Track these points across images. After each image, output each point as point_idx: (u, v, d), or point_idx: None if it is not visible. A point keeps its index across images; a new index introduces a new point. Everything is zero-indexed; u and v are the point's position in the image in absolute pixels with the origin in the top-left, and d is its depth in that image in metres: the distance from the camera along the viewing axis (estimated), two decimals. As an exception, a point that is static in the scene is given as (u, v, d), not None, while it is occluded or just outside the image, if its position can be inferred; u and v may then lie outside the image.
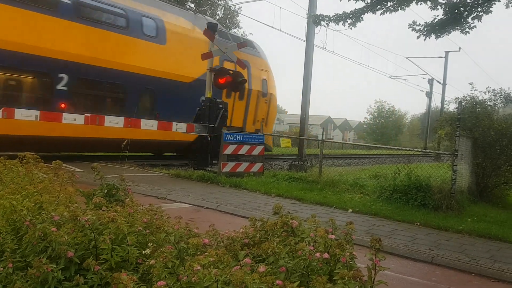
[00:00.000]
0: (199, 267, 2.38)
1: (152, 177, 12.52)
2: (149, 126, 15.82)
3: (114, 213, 3.21)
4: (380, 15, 10.37)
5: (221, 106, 14.94)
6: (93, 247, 2.85)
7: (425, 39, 11.07)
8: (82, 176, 9.60)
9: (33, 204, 3.28)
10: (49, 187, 3.92)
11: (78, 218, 2.94)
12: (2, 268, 2.77)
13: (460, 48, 40.80)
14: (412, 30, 11.05)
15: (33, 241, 2.88)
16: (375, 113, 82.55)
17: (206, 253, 2.68)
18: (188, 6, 35.48)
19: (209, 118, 14.56)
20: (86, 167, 11.96)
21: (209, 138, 14.50)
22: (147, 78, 15.84)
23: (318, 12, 17.43)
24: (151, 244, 2.86)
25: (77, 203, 3.79)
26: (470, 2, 10.36)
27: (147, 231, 3.27)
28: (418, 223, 8.68)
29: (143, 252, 2.87)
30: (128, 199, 4.19)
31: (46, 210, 3.32)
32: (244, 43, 19.50)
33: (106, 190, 4.28)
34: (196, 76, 17.01)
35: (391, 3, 10.17)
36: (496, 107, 13.57)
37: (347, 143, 56.26)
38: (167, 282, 2.40)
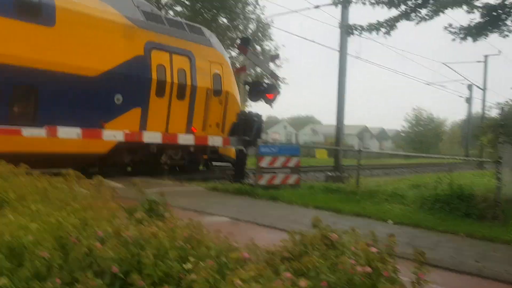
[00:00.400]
0: (239, 282, 2.39)
1: (190, 191, 12.69)
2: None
3: (155, 228, 3.27)
4: (416, 24, 10.23)
5: (255, 119, 15.03)
6: (136, 262, 2.91)
7: (460, 42, 10.83)
8: (122, 191, 9.84)
9: (78, 221, 3.39)
10: (93, 203, 4.05)
11: (121, 233, 3.02)
12: (50, 284, 2.86)
13: (500, 51, 39.59)
14: (448, 32, 10.84)
15: (79, 256, 2.97)
16: (413, 121, 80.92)
17: (246, 267, 2.69)
18: (220, 21, 36.08)
19: (244, 131, 14.68)
20: (126, 182, 12.25)
21: (246, 151, 14.59)
22: (22, 71, 11.48)
23: (350, 18, 17.35)
24: (192, 258, 2.89)
25: (119, 218, 3.89)
26: (508, 4, 10.06)
27: (188, 245, 3.31)
28: (463, 234, 8.40)
29: (185, 266, 2.90)
30: (168, 214, 4.27)
31: (90, 226, 3.42)
32: (276, 56, 19.44)
33: (147, 206, 4.37)
34: (106, 68, 13.05)
35: (426, 10, 10.01)
36: (542, 111, 13.01)
37: (385, 153, 55.29)
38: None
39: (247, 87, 14.81)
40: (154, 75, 14.26)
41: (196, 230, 3.68)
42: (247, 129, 14.65)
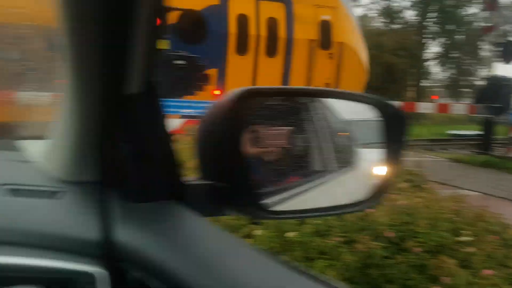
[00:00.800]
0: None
1: (430, 162, 12.20)
2: None
3: (420, 198, 3.35)
4: None
5: (506, 83, 13.31)
6: (409, 230, 3.06)
7: None
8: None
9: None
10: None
11: (393, 202, 3.20)
12: (330, 240, 3.26)
13: None
14: None
15: (354, 219, 3.28)
16: None
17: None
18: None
19: (492, 97, 13.20)
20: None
21: (494, 120, 13.15)
22: None
23: None
24: (467, 232, 2.88)
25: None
26: None
27: (457, 218, 3.29)
28: None
29: (459, 239, 2.91)
30: (426, 185, 4.28)
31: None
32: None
33: (406, 176, 4.48)
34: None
35: None
36: None
37: None
38: (494, 271, 2.40)
39: (499, 48, 13.16)
40: (232, 28, 11.86)
41: (459, 204, 3.62)
42: (496, 94, 13.09)
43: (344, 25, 12.91)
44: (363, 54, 13.46)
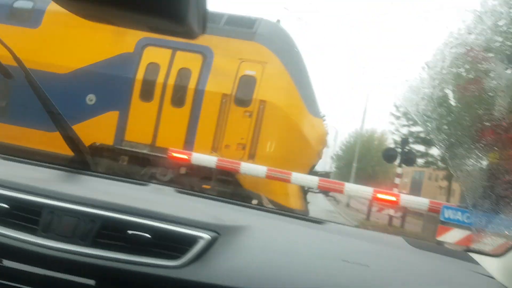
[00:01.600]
0: None
1: None
2: None
3: None
4: None
5: None
6: None
7: None
8: None
9: None
10: None
11: None
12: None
13: None
14: None
15: None
16: None
17: None
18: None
19: None
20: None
21: None
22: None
23: None
24: None
25: None
26: None
27: None
28: None
29: None
30: None
31: None
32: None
33: None
34: (79, 66, 11.96)
35: None
36: None
37: None
38: None
39: None
40: (139, 75, 12.04)
41: None
42: None
43: (273, 82, 11.96)
44: (296, 114, 12.45)
